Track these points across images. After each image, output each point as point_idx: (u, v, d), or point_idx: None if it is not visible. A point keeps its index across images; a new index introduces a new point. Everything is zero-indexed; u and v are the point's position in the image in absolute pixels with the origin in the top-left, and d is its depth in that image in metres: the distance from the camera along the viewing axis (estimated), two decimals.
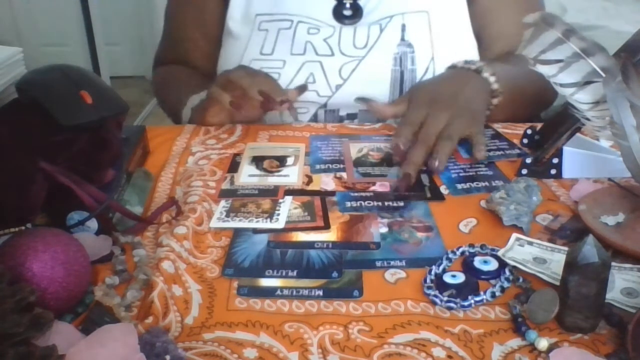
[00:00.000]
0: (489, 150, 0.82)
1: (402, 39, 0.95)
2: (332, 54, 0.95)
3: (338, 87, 0.95)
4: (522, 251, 0.60)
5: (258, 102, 0.83)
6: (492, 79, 0.87)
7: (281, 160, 0.81)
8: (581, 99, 0.66)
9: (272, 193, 0.73)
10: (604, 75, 0.63)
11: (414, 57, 0.95)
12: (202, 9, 1.05)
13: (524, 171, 0.77)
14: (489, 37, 1.01)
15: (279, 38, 0.96)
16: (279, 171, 0.79)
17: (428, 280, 0.57)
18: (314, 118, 0.98)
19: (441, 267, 0.59)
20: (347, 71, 0.95)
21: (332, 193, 0.73)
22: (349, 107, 0.97)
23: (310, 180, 0.77)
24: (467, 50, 0.99)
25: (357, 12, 0.96)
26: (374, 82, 0.95)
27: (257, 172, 0.79)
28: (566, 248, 0.60)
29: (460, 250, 0.62)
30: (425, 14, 0.96)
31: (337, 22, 0.97)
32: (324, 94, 0.96)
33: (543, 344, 0.49)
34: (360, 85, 0.95)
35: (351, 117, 0.98)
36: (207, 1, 1.04)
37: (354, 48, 0.95)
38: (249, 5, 0.99)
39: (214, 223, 0.67)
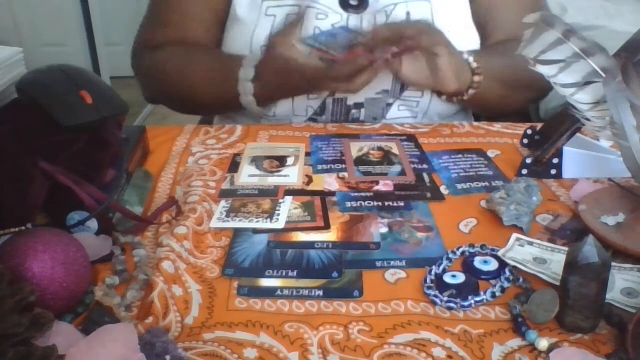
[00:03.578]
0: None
1: None
2: None
3: None
4: (522, 251, 0.60)
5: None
6: (470, 58, 0.92)
7: (281, 160, 0.81)
8: (581, 99, 0.66)
9: (272, 193, 0.73)
10: (604, 75, 0.63)
11: None
12: None
13: (524, 171, 0.77)
14: (492, 26, 1.04)
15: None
16: (279, 171, 0.79)
17: (428, 280, 0.57)
18: (322, 106, 0.98)
19: (441, 267, 0.59)
20: None
21: (332, 193, 0.73)
22: (356, 95, 0.97)
23: (310, 180, 0.77)
24: (468, 38, 1.01)
25: (363, 3, 0.97)
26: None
27: (257, 172, 0.79)
28: (566, 248, 0.60)
29: (460, 250, 0.62)
30: (428, 3, 0.97)
31: (342, 10, 0.97)
32: None
33: (543, 344, 0.49)
34: None
35: (358, 106, 0.98)
36: None
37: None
38: None
39: (214, 223, 0.67)
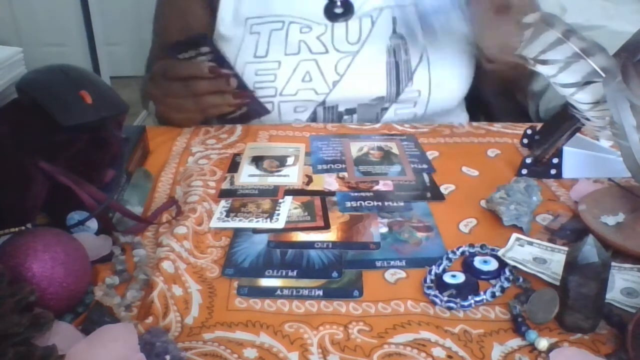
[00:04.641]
0: None
1: (394, 32, 0.97)
2: (327, 51, 0.96)
3: (335, 83, 0.96)
4: (522, 251, 0.60)
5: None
6: None
7: (281, 160, 0.81)
8: (581, 99, 0.66)
9: (272, 193, 0.73)
10: (604, 75, 0.63)
11: (407, 47, 0.96)
12: (186, 13, 1.04)
13: (524, 171, 0.77)
14: None
15: (272, 39, 0.97)
16: (279, 171, 0.79)
17: (428, 280, 0.57)
18: (313, 116, 0.98)
19: (441, 267, 0.59)
20: (343, 67, 0.96)
21: (332, 193, 0.73)
22: (348, 102, 0.97)
23: (310, 180, 0.77)
24: (457, 37, 1.00)
25: (348, 10, 0.97)
26: (370, 75, 0.96)
27: (257, 172, 0.79)
28: (566, 248, 0.60)
29: (460, 250, 0.62)
30: (414, 7, 0.97)
31: (328, 20, 0.97)
32: (321, 91, 0.96)
33: (543, 344, 0.49)
34: (357, 80, 0.96)
35: (350, 112, 0.98)
36: (191, 5, 1.04)
37: (348, 44, 0.96)
38: (239, 8, 1.00)
39: (214, 223, 0.67)
